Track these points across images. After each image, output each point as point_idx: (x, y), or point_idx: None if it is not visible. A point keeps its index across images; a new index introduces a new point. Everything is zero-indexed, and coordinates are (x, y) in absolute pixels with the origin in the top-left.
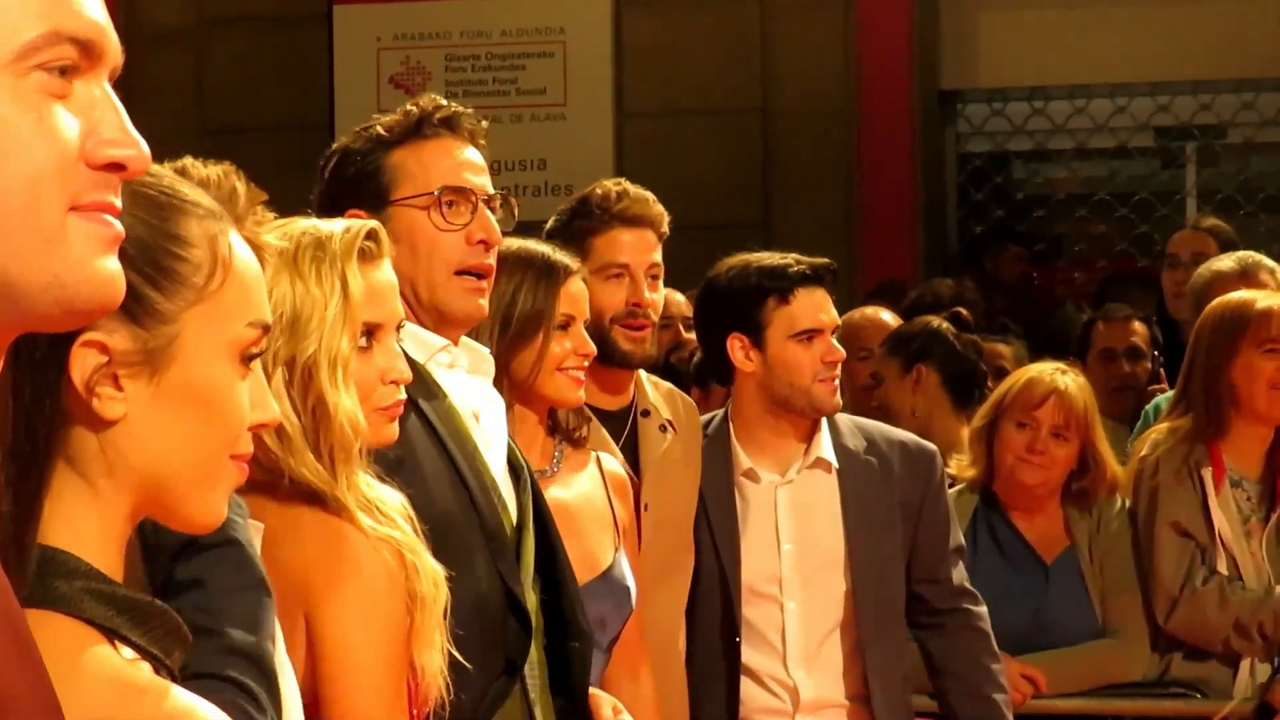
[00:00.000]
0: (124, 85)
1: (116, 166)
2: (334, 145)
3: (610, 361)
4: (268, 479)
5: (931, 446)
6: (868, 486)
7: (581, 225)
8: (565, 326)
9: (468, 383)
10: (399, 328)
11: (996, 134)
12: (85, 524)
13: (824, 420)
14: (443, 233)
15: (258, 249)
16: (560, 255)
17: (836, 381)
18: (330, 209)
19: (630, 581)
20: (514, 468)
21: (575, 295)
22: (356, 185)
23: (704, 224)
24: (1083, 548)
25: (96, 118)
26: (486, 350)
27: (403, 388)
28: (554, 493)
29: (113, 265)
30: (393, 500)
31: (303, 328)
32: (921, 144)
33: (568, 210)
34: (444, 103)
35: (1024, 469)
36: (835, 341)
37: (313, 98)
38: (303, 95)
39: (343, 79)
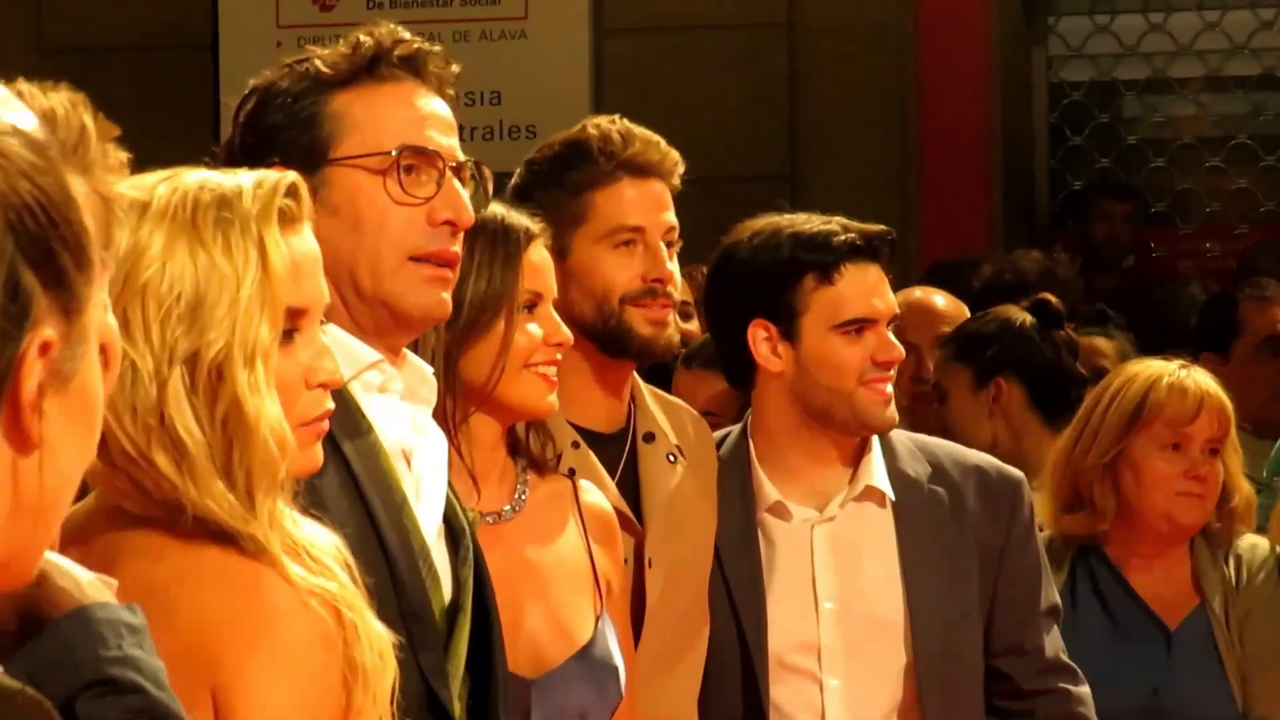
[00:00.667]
0: None
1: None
2: (254, 82)
3: (622, 353)
4: (164, 515)
5: (1016, 474)
6: (934, 526)
7: (578, 177)
8: (531, 307)
9: (400, 411)
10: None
11: (1100, 57)
12: None
13: (875, 438)
14: (399, 206)
15: (108, 202)
16: (517, 216)
17: (889, 389)
18: (244, 165)
19: (618, 659)
20: (452, 529)
21: (539, 266)
22: (283, 135)
23: (712, 175)
24: (1216, 608)
25: None
26: (429, 369)
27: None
28: (518, 542)
29: None
30: (325, 543)
31: (208, 313)
32: (1000, 70)
33: (549, 158)
34: (406, 36)
35: (1185, 506)
36: (893, 336)
37: (192, 8)
38: (179, 5)
39: None
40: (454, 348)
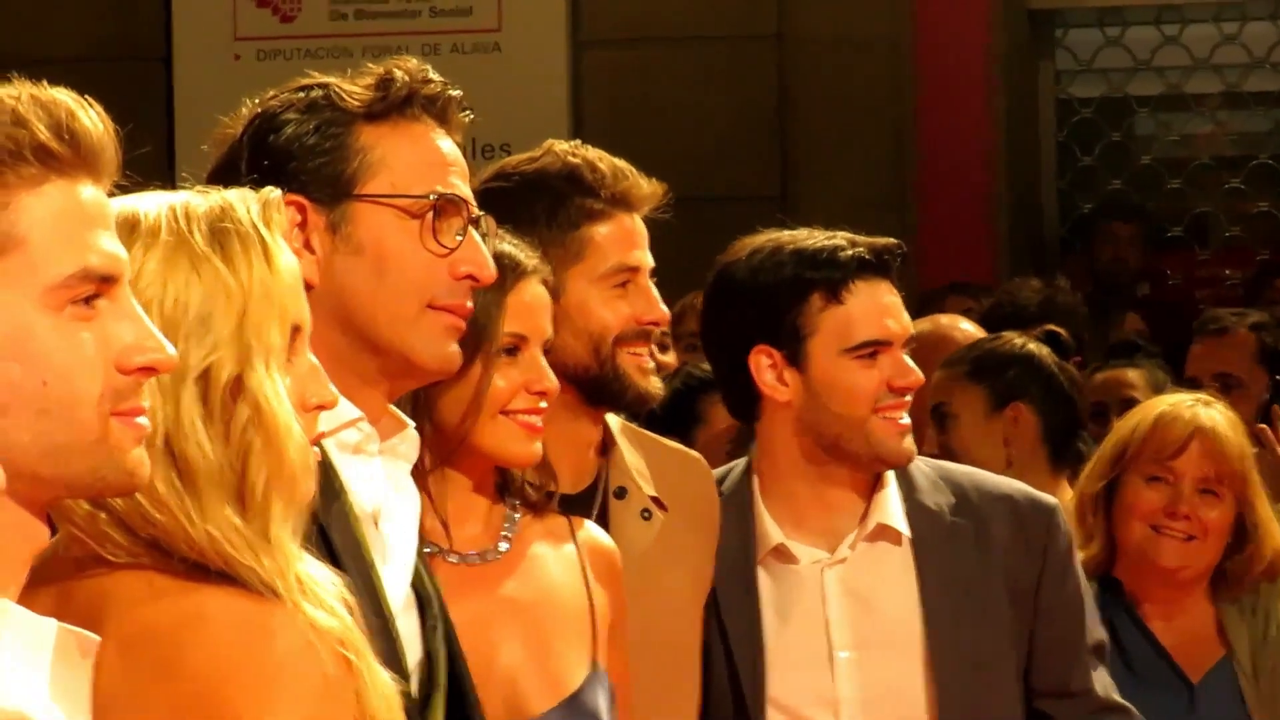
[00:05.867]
0: None
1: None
2: (256, 104)
3: (611, 401)
4: (150, 561)
5: (1049, 501)
6: (957, 563)
7: (572, 211)
8: (514, 350)
9: (373, 471)
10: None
11: (1112, 72)
12: None
13: (891, 470)
14: (426, 253)
15: None
16: (509, 249)
17: (906, 418)
18: (249, 185)
19: (608, 712)
20: (419, 597)
21: (531, 306)
22: (302, 162)
23: (696, 196)
24: (1243, 659)
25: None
26: (411, 425)
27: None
28: (503, 583)
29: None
30: (326, 581)
31: (220, 325)
32: (1004, 86)
33: (525, 185)
34: (435, 76)
35: (1161, 545)
36: (909, 359)
37: (143, 18)
38: (129, 15)
39: None
40: (427, 390)
